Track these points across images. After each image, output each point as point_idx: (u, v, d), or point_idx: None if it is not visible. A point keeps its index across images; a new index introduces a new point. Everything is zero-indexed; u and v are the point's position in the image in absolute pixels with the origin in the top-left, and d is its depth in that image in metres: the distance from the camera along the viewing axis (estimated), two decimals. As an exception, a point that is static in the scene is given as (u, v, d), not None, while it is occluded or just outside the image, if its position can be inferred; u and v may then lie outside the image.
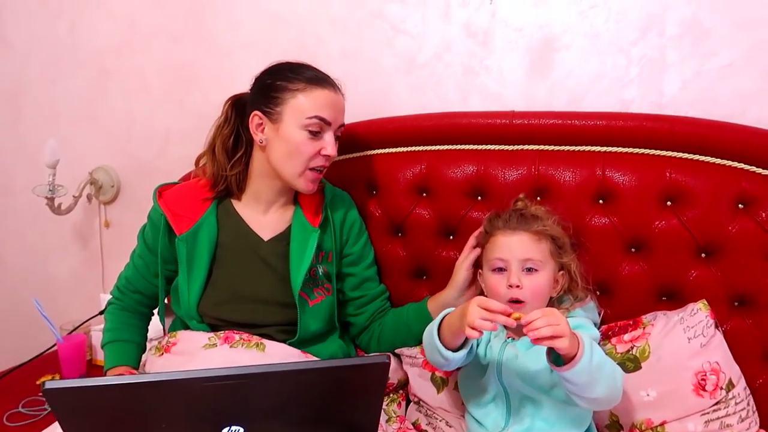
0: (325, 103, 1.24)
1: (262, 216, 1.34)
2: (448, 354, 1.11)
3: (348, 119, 1.51)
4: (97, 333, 1.80)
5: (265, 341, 1.26)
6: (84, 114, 1.89)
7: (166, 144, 1.82)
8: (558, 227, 1.22)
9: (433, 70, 1.53)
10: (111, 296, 1.46)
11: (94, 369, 1.74)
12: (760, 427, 1.18)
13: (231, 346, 1.25)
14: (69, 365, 1.69)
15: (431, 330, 1.14)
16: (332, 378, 0.85)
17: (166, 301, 1.42)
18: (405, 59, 1.55)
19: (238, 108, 1.34)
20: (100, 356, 1.76)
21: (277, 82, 1.25)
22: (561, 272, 1.20)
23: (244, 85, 1.68)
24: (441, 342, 1.12)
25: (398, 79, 1.56)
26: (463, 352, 1.12)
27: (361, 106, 1.55)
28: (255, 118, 1.27)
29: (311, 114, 1.22)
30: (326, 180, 1.39)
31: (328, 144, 1.25)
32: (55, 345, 1.70)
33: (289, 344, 1.28)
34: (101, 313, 1.88)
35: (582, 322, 1.16)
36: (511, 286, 1.14)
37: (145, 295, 1.41)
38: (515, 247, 1.16)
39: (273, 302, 1.30)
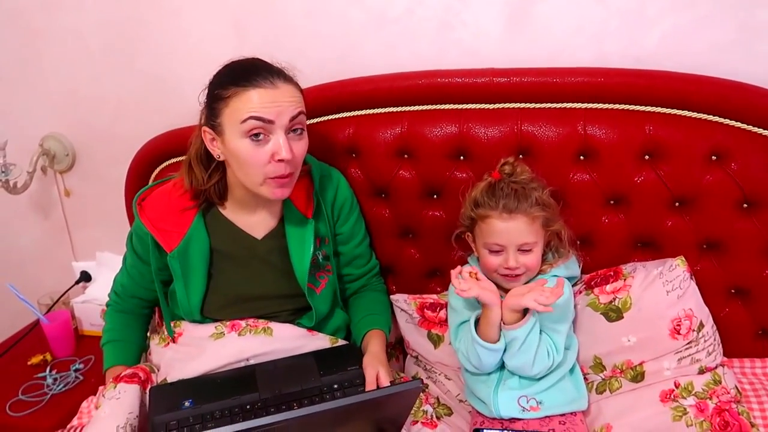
0: (259, 102, 1.10)
1: (251, 216, 1.29)
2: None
3: (318, 80, 1.45)
4: (78, 305, 1.78)
5: (272, 324, 1.28)
6: (20, 82, 1.71)
7: (119, 109, 1.69)
8: (548, 198, 1.24)
9: (406, 26, 1.44)
10: (109, 299, 1.43)
11: (83, 339, 1.74)
12: (724, 355, 1.32)
13: (239, 334, 1.27)
14: (58, 344, 1.69)
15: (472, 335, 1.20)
16: (368, 406, 0.90)
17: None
18: (375, 14, 1.45)
19: None
20: (86, 327, 1.77)
21: (214, 91, 1.15)
22: (548, 232, 1.25)
23: (198, 46, 1.57)
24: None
25: (369, 36, 1.47)
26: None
27: (330, 67, 1.48)
28: (206, 134, 1.19)
29: (244, 117, 1.10)
30: (314, 158, 1.33)
31: (280, 147, 1.11)
32: (37, 323, 1.67)
33: (299, 325, 1.30)
34: (78, 282, 1.87)
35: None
36: (509, 268, 1.20)
37: (144, 299, 1.39)
38: (513, 233, 1.19)
39: (279, 296, 1.30)
